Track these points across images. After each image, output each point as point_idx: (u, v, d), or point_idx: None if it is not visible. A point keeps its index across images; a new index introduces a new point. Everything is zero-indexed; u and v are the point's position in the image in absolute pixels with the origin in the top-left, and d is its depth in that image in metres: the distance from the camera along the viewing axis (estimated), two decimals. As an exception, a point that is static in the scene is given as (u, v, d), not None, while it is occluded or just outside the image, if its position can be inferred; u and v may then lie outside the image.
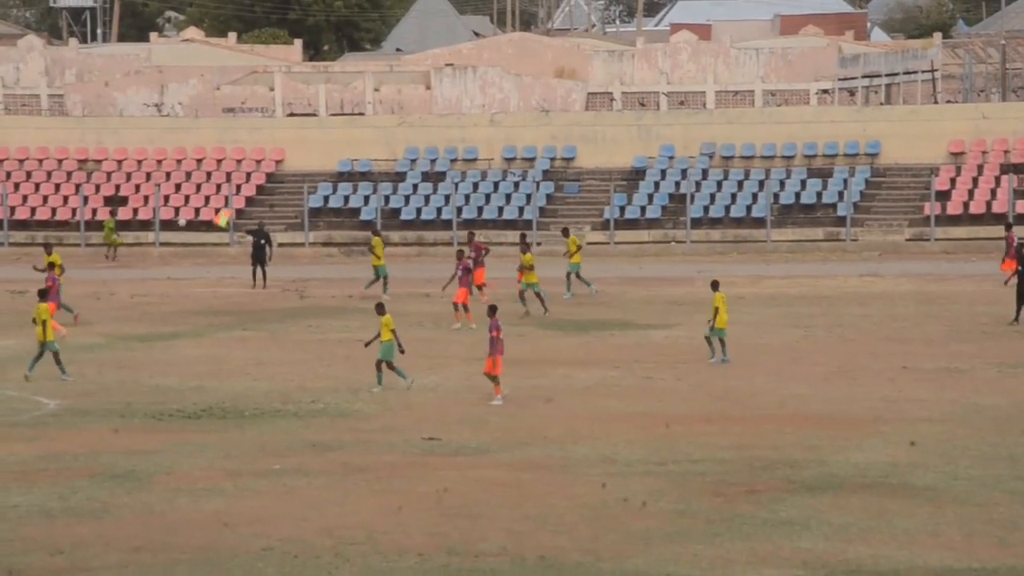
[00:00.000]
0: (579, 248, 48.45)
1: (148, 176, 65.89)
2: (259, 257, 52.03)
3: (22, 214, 64.86)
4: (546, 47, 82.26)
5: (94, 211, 64.52)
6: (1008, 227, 50.20)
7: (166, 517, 23.35)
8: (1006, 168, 60.86)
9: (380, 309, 33.81)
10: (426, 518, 23.04)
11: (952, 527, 22.25)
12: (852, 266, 53.87)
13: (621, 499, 23.82)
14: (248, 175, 65.76)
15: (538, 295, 44.13)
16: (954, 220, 59.77)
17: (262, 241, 52.45)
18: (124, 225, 63.83)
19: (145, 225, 63.72)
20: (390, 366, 33.09)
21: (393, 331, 33.06)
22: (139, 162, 66.60)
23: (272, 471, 26.09)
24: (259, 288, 51.10)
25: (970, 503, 23.50)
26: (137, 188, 65.41)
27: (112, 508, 23.90)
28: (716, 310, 35.75)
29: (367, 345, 33.62)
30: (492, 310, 32.48)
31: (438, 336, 40.98)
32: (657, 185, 62.77)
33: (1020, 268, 40.69)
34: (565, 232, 49.85)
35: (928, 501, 23.61)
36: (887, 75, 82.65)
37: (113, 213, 62.78)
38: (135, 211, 64.55)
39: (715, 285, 36.60)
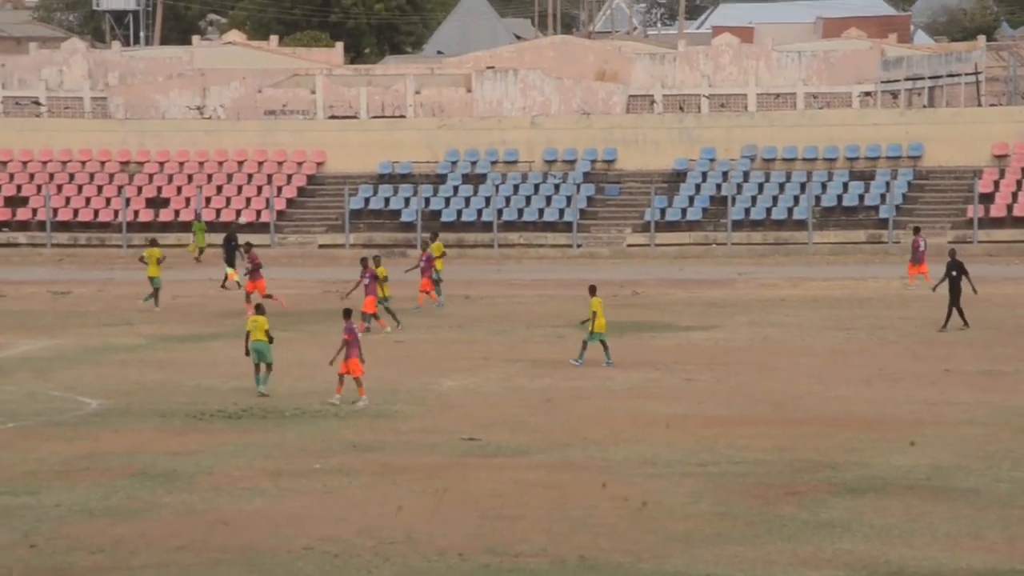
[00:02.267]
0: (443, 254, 47.74)
1: (190, 178, 66.12)
2: (230, 257, 52.95)
3: (65, 216, 65.16)
4: (587, 50, 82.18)
5: (136, 213, 64.77)
6: (916, 231, 50.27)
7: (207, 517, 23.41)
8: (1050, 171, 60.50)
9: (260, 310, 33.41)
10: (466, 519, 23.04)
11: (994, 529, 22.12)
12: (894, 268, 53.59)
13: (661, 501, 23.75)
14: (289, 177, 65.92)
15: (387, 310, 43.36)
16: (997, 223, 59.46)
17: (233, 243, 53.37)
18: (165, 227, 64.06)
19: (186, 227, 63.88)
20: (268, 367, 32.61)
21: (267, 331, 32.67)
22: (181, 164, 66.84)
23: (312, 471, 26.14)
24: (230, 288, 51.49)
25: (1013, 505, 23.36)
26: (179, 190, 65.63)
27: (153, 507, 23.98)
28: (594, 314, 35.57)
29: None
30: (347, 313, 32.33)
31: (477, 337, 40.97)
32: (698, 187, 62.65)
33: (954, 274, 40.45)
34: (433, 237, 49.26)
35: (970, 503, 23.48)
36: (930, 78, 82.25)
37: (198, 215, 62.90)
38: (176, 213, 64.78)
39: (592, 290, 36.38)
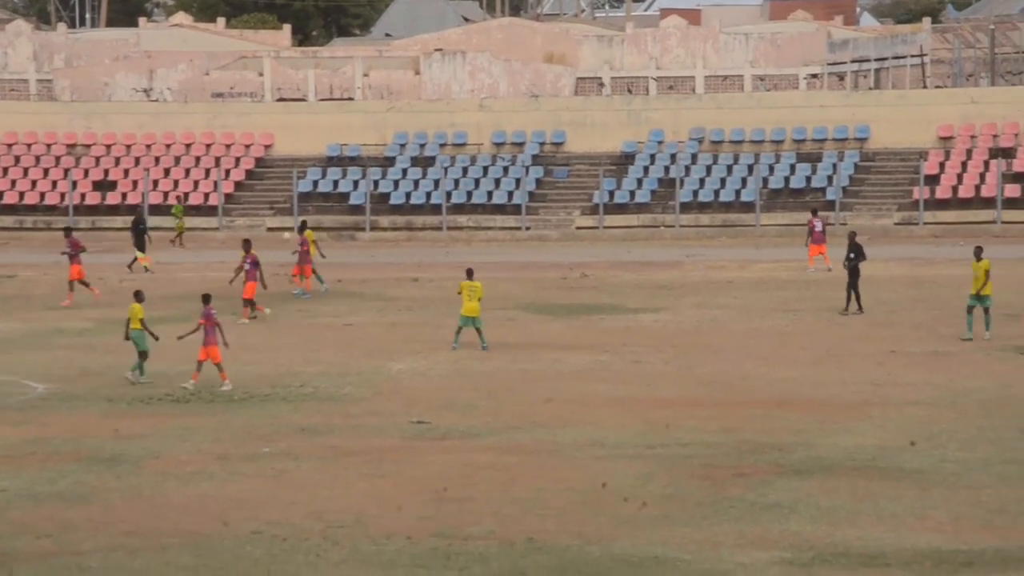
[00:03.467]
0: (313, 241, 46.99)
1: (137, 161, 65.82)
2: (140, 242, 52.92)
3: (10, 199, 64.77)
4: (535, 32, 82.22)
5: (83, 196, 64.44)
6: (814, 212, 50.66)
7: (154, 501, 23.35)
8: (995, 152, 60.93)
9: (138, 296, 33.00)
10: (415, 501, 23.06)
11: (939, 509, 22.31)
12: (841, 250, 53.77)
13: (610, 483, 23.85)
14: (237, 160, 65.70)
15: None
16: (943, 204, 59.85)
17: (141, 227, 53.41)
18: (113, 210, 63.74)
19: (134, 210, 63.58)
20: (141, 355, 32.29)
21: (142, 320, 32.46)
22: (128, 147, 66.52)
23: (261, 455, 26.11)
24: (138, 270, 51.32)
25: (957, 486, 23.56)
26: (126, 173, 65.32)
27: (101, 492, 23.90)
28: (478, 299, 35.62)
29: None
30: (206, 298, 32.22)
31: (427, 320, 40.97)
32: (646, 170, 62.79)
33: (852, 256, 40.68)
34: (303, 226, 48.69)
35: (916, 484, 23.66)
36: (876, 60, 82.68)
37: (179, 198, 62.52)
38: (124, 196, 64.47)
39: (469, 273, 36.36)
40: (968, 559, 20.05)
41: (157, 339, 32.83)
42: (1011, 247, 54.90)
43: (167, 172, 65.28)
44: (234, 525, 21.88)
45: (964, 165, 60.94)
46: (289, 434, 27.67)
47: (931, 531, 21.30)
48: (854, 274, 40.62)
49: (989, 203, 59.31)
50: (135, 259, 51.94)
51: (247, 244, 42.81)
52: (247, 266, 41.68)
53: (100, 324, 40.95)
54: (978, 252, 37.37)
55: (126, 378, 32.32)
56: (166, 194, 64.31)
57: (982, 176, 60.28)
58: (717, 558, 20.23)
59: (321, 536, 21.35)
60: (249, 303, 41.32)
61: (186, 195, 63.43)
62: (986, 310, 36.66)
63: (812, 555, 20.29)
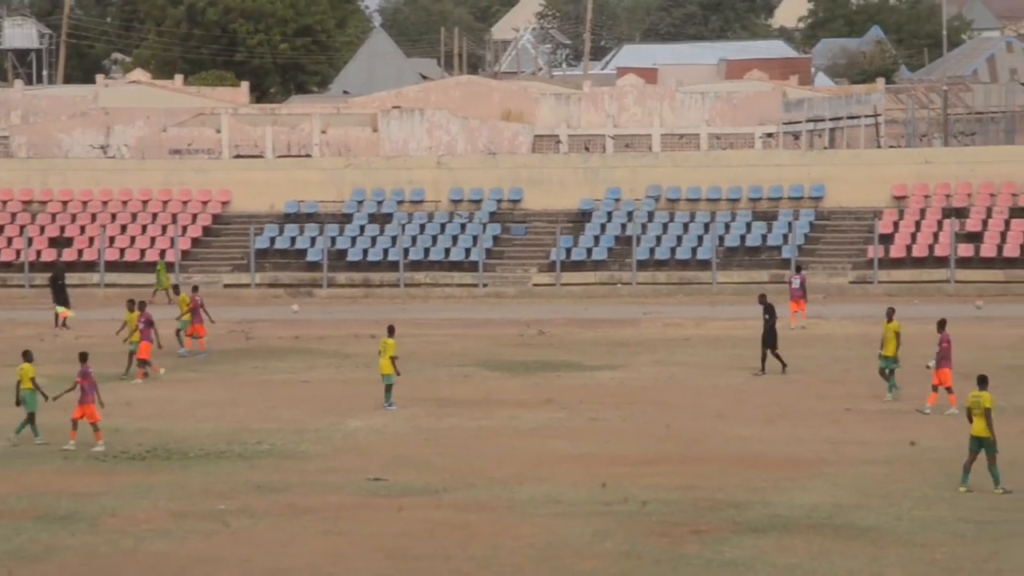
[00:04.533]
0: (202, 305, 46.00)
1: (94, 217, 65.67)
2: (61, 298, 52.71)
3: (-34, 255, 64.48)
4: (493, 90, 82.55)
5: (38, 252, 64.21)
6: (797, 269, 51.77)
7: (110, 559, 23.23)
8: (948, 212, 61.41)
9: (27, 356, 32.49)
10: (372, 559, 23.02)
11: (895, 568, 22.40)
12: (817, 307, 54.09)
13: (567, 540, 23.86)
14: (194, 216, 65.63)
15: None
16: (897, 263, 60.23)
17: (59, 282, 53.33)
18: (69, 267, 63.50)
19: (90, 266, 63.45)
20: (29, 416, 31.86)
21: (33, 379, 32.03)
22: (84, 203, 66.37)
23: (217, 512, 26.01)
24: (60, 328, 51.01)
25: (913, 544, 23.67)
26: (83, 229, 65.15)
27: (56, 550, 23.77)
28: (393, 358, 35.57)
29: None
30: (83, 357, 32.02)
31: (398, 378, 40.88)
32: (603, 227, 63.02)
33: (767, 318, 40.81)
34: (176, 290, 48.30)
35: (871, 542, 23.76)
36: (831, 119, 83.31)
37: (162, 255, 62.14)
38: (80, 252, 64.28)
39: (390, 331, 36.46)
40: (924, 616, 20.13)
41: (47, 399, 32.25)
42: (965, 306, 55.26)
43: (124, 229, 65.14)
44: (190, 583, 21.77)
45: (918, 224, 61.38)
46: (245, 491, 27.58)
47: (887, 588, 21.37)
48: (769, 335, 40.57)
49: (943, 262, 59.71)
50: (57, 315, 51.66)
51: (140, 305, 41.73)
52: (141, 326, 40.93)
53: (55, 381, 40.65)
54: (890, 313, 37.51)
55: (8, 440, 31.72)
56: (122, 251, 64.15)
57: (936, 235, 60.72)
58: (674, 616, 20.25)
59: (278, 594, 21.27)
60: (143, 363, 40.72)
61: (163, 251, 62.93)
62: (891, 371, 36.63)
63: (769, 612, 20.32)
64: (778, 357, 40.57)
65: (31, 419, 32.09)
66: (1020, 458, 29.69)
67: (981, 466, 27.14)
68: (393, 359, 35.80)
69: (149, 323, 41.01)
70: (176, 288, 48.15)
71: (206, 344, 45.23)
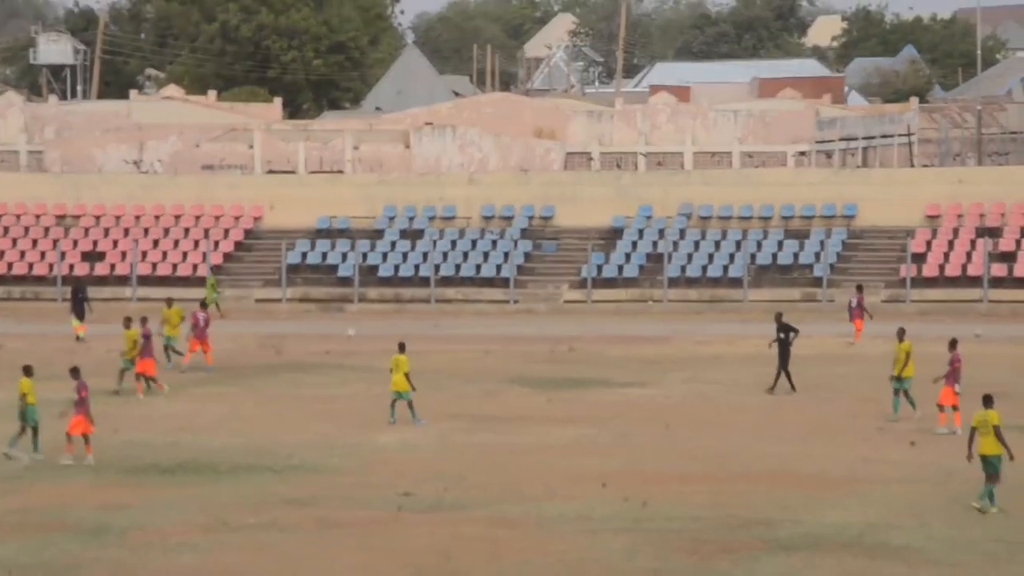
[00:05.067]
0: (183, 319, 46.09)
1: (126, 232, 65.91)
2: (79, 311, 52.82)
3: (-1, 269, 64.80)
4: (525, 107, 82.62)
5: (71, 267, 64.47)
6: (859, 288, 51.53)
7: (139, 572, 23.24)
8: (981, 232, 61.18)
9: (27, 371, 32.28)
10: (401, 574, 22.98)
11: (927, 587, 22.26)
12: (828, 326, 53.93)
13: (597, 557, 23.79)
14: (226, 231, 65.80)
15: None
16: (930, 282, 60.02)
17: (80, 295, 53.49)
18: (101, 280, 63.72)
19: (122, 280, 63.64)
20: (32, 430, 31.84)
21: (23, 395, 31.87)
22: (117, 218, 66.62)
23: (247, 526, 26.01)
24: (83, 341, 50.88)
25: (943, 563, 23.53)
26: (115, 244, 65.39)
27: (85, 563, 23.79)
28: (404, 373, 35.54)
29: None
30: (74, 373, 32.00)
31: (415, 392, 40.88)
32: (635, 244, 62.96)
33: (782, 336, 40.43)
34: (169, 303, 47.09)
35: (903, 562, 23.63)
36: (864, 138, 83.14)
37: (212, 270, 62.20)
38: (112, 267, 64.52)
39: (401, 347, 36.34)
40: (955, 636, 20.01)
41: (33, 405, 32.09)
42: (998, 326, 55.03)
43: (156, 243, 65.36)
44: (219, 596, 21.77)
45: (951, 244, 61.17)
46: (275, 505, 27.58)
47: (918, 608, 21.25)
48: (783, 354, 40.33)
49: (976, 281, 59.49)
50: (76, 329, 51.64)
51: (143, 320, 41.61)
52: (142, 341, 40.61)
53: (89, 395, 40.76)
54: (901, 334, 37.29)
55: (5, 454, 31.57)
56: (154, 265, 64.36)
57: (969, 255, 60.50)
58: (704, 633, 20.16)
59: (306, 608, 21.25)
60: (147, 379, 40.34)
61: (214, 267, 62.84)
62: (905, 392, 36.37)
63: (799, 631, 20.22)
64: (788, 376, 40.26)
65: (35, 433, 32.01)
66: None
67: (1007, 484, 26.96)
68: (407, 375, 35.75)
69: (148, 337, 40.86)
70: (169, 301, 47.60)
71: (211, 359, 44.87)
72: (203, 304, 47.50)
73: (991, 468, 26.67)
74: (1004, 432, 34.14)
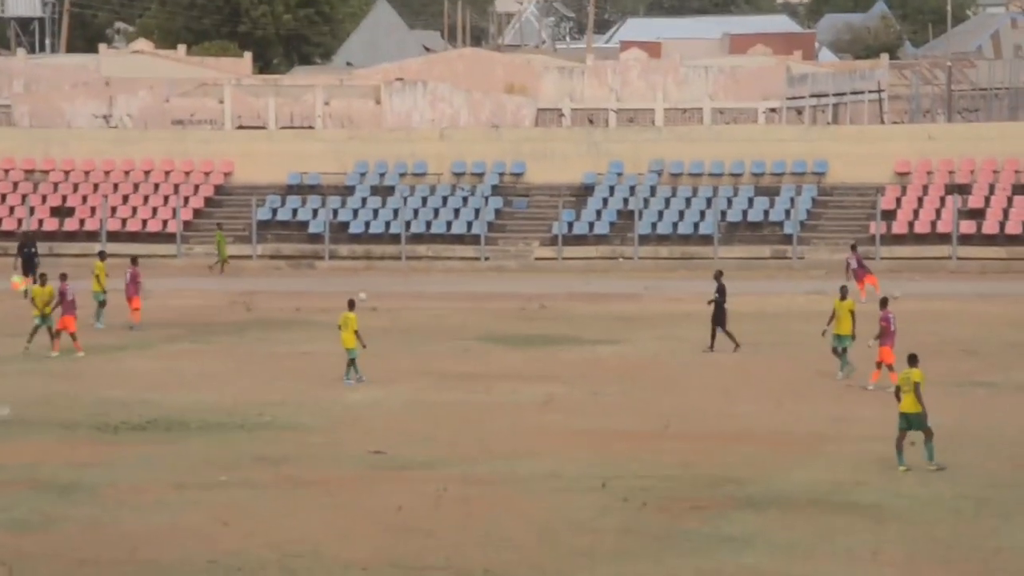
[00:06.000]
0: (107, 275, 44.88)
1: (96, 187, 65.64)
2: (29, 267, 52.44)
3: (-32, 224, 64.48)
4: (496, 63, 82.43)
5: (40, 222, 64.20)
6: (853, 248, 51.14)
7: (111, 530, 23.27)
8: (951, 188, 61.34)
9: None
10: (372, 532, 23.06)
11: (894, 545, 22.42)
12: (799, 284, 54.12)
13: (566, 515, 23.89)
14: (196, 187, 65.59)
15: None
16: (899, 239, 60.18)
17: (31, 251, 53.07)
18: (70, 236, 63.47)
19: (92, 236, 63.44)
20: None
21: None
22: (87, 173, 66.34)
23: (218, 484, 26.05)
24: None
25: (912, 521, 23.69)
26: (84, 199, 65.14)
27: (56, 520, 23.80)
28: (354, 331, 35.42)
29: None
30: (62, 276, 33.17)
31: (385, 350, 40.94)
32: (606, 201, 62.97)
33: (718, 298, 40.32)
34: (102, 256, 46.24)
35: (871, 519, 23.78)
36: (835, 95, 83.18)
37: (220, 226, 61.88)
38: (82, 222, 64.27)
39: (350, 304, 36.19)
40: (922, 594, 20.19)
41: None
42: (966, 283, 55.27)
43: (125, 199, 65.12)
44: (190, 555, 21.82)
45: (920, 201, 61.32)
46: (246, 463, 27.61)
47: (886, 566, 21.41)
48: (719, 313, 40.30)
49: (945, 239, 59.67)
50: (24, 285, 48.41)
51: (62, 276, 40.45)
52: (69, 297, 39.42)
53: (60, 351, 40.75)
54: (843, 291, 37.32)
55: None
56: (124, 221, 64.12)
57: (938, 212, 60.66)
58: (673, 591, 20.29)
59: (278, 566, 21.32)
60: (69, 335, 39.36)
61: (219, 223, 62.48)
62: (844, 350, 36.41)
63: (768, 589, 20.36)
64: (729, 335, 40.26)
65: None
66: (1015, 434, 29.73)
67: (968, 439, 27.12)
68: (356, 332, 35.71)
69: (63, 294, 39.59)
70: (103, 254, 46.60)
71: (139, 318, 44.18)
72: (133, 260, 46.25)
73: (918, 425, 26.67)
74: (965, 388, 34.36)
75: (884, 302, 35.44)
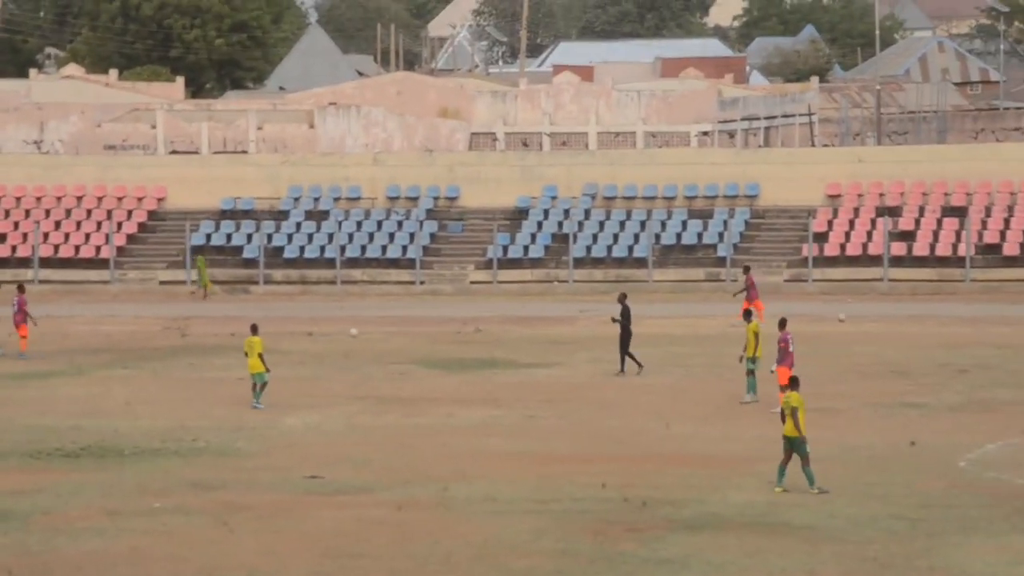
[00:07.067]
0: None
1: (27, 213, 65.20)
2: None
3: None
4: (429, 87, 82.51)
5: (-28, 248, 63.70)
6: (746, 269, 51.48)
7: (44, 557, 23.11)
8: (881, 211, 61.88)
9: None
10: (308, 557, 22.99)
11: (828, 565, 22.56)
12: (732, 306, 54.36)
13: (503, 538, 23.91)
14: (129, 213, 65.28)
15: None
16: (831, 261, 60.62)
17: None
18: (3, 263, 63.00)
19: (24, 262, 63.01)
20: None
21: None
22: (18, 199, 65.90)
23: (152, 510, 25.91)
24: None
25: (846, 541, 23.85)
26: (16, 225, 64.69)
27: (-11, 549, 23.60)
28: (251, 355, 35.50)
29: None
30: (21, 287, 33.12)
31: (320, 375, 40.88)
32: (540, 225, 63.13)
33: (620, 320, 40.33)
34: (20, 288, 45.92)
35: (805, 540, 23.93)
36: (766, 118, 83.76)
37: (202, 251, 61.46)
38: (14, 248, 63.84)
39: (253, 329, 36.23)
40: (857, 613, 20.31)
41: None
42: (897, 305, 55.75)
43: (58, 225, 64.73)
44: (125, 582, 21.68)
45: (852, 223, 61.81)
46: (180, 489, 27.48)
47: (820, 586, 21.53)
48: (625, 336, 40.36)
49: (876, 260, 60.17)
50: None
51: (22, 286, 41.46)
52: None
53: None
54: (747, 315, 37.68)
55: None
56: (56, 247, 63.73)
57: (869, 234, 61.16)
58: (610, 613, 20.33)
59: (213, 593, 21.21)
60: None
61: (200, 248, 62.14)
62: (751, 372, 36.51)
63: (704, 610, 20.44)
64: (632, 357, 40.29)
65: None
66: (946, 455, 30.00)
67: (890, 458, 27.31)
68: (261, 356, 35.61)
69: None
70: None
71: (26, 346, 43.89)
72: (20, 287, 45.85)
73: (799, 450, 26.72)
74: (897, 409, 34.60)
75: (783, 323, 35.59)
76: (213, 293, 60.06)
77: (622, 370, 40.21)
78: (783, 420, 27.05)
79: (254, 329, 36.39)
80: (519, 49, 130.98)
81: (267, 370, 35.71)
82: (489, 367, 42.04)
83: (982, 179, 62.14)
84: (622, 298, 41.44)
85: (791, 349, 34.77)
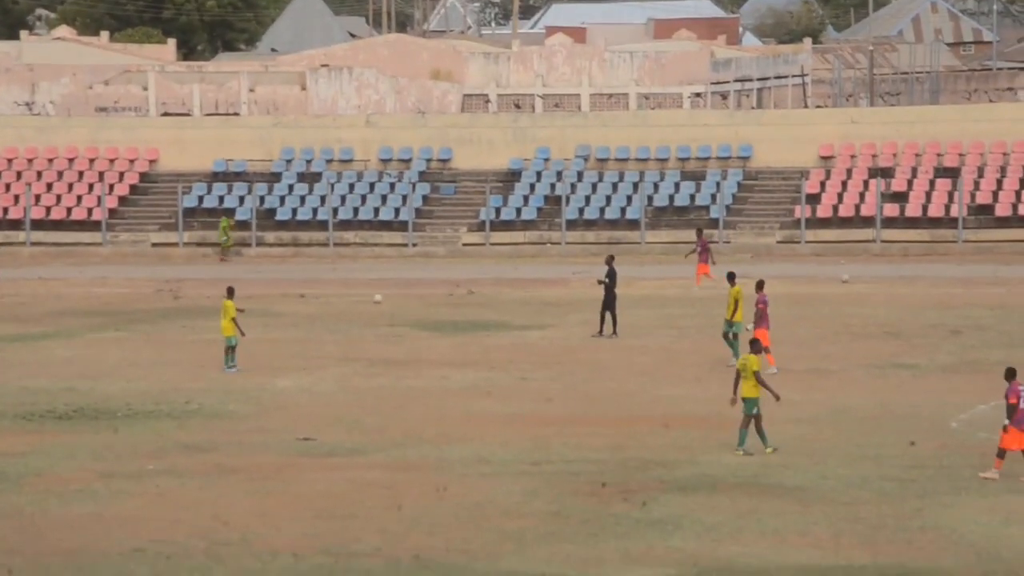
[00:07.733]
0: None
1: (19, 175, 65.08)
2: None
3: None
4: (422, 48, 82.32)
5: (-37, 210, 63.60)
6: (699, 232, 51.53)
7: (36, 520, 23.14)
8: (874, 172, 61.84)
9: None
10: (300, 519, 23.04)
11: (820, 526, 22.63)
12: (724, 268, 54.33)
13: (496, 500, 23.96)
14: (121, 175, 65.15)
15: None
16: (824, 223, 60.60)
17: None
18: (-6, 225, 62.90)
19: (15, 224, 62.91)
20: None
21: None
22: (9, 161, 65.76)
23: (145, 472, 25.94)
24: None
25: (837, 502, 23.91)
26: (8, 187, 64.58)
27: (-19, 511, 23.62)
28: (234, 319, 35.48)
29: None
30: None
31: (313, 337, 40.88)
32: (532, 187, 63.06)
33: (607, 280, 40.36)
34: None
35: (797, 500, 23.99)
36: (759, 79, 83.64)
37: (228, 214, 61.38)
38: (5, 210, 63.73)
39: (229, 292, 36.20)
40: (848, 575, 20.38)
41: None
42: (889, 266, 55.78)
43: (50, 187, 64.61)
44: (117, 543, 21.73)
45: (844, 184, 61.78)
46: (173, 451, 27.51)
47: (812, 547, 21.60)
48: (609, 297, 40.34)
49: (869, 222, 60.17)
50: None
51: None
52: None
53: (-20, 340, 40.41)
54: (731, 278, 37.29)
55: None
56: (48, 209, 63.64)
57: (862, 195, 61.14)
58: (602, 575, 20.39)
59: (206, 554, 21.26)
60: None
61: (228, 209, 62.07)
62: (735, 335, 36.45)
63: (696, 571, 20.51)
64: (613, 319, 40.15)
65: None
66: (938, 416, 30.07)
67: (874, 418, 27.35)
68: (234, 320, 35.59)
69: None
70: None
71: None
72: None
73: (749, 409, 26.74)
74: (889, 370, 34.69)
75: (760, 285, 35.58)
76: (236, 253, 59.91)
77: (600, 332, 40.16)
78: (735, 385, 27.05)
79: (230, 292, 36.36)
80: (512, 10, 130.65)
81: (242, 334, 35.54)
82: (482, 329, 42.05)
83: (975, 140, 62.10)
84: (609, 260, 41.44)
85: (767, 311, 34.82)
